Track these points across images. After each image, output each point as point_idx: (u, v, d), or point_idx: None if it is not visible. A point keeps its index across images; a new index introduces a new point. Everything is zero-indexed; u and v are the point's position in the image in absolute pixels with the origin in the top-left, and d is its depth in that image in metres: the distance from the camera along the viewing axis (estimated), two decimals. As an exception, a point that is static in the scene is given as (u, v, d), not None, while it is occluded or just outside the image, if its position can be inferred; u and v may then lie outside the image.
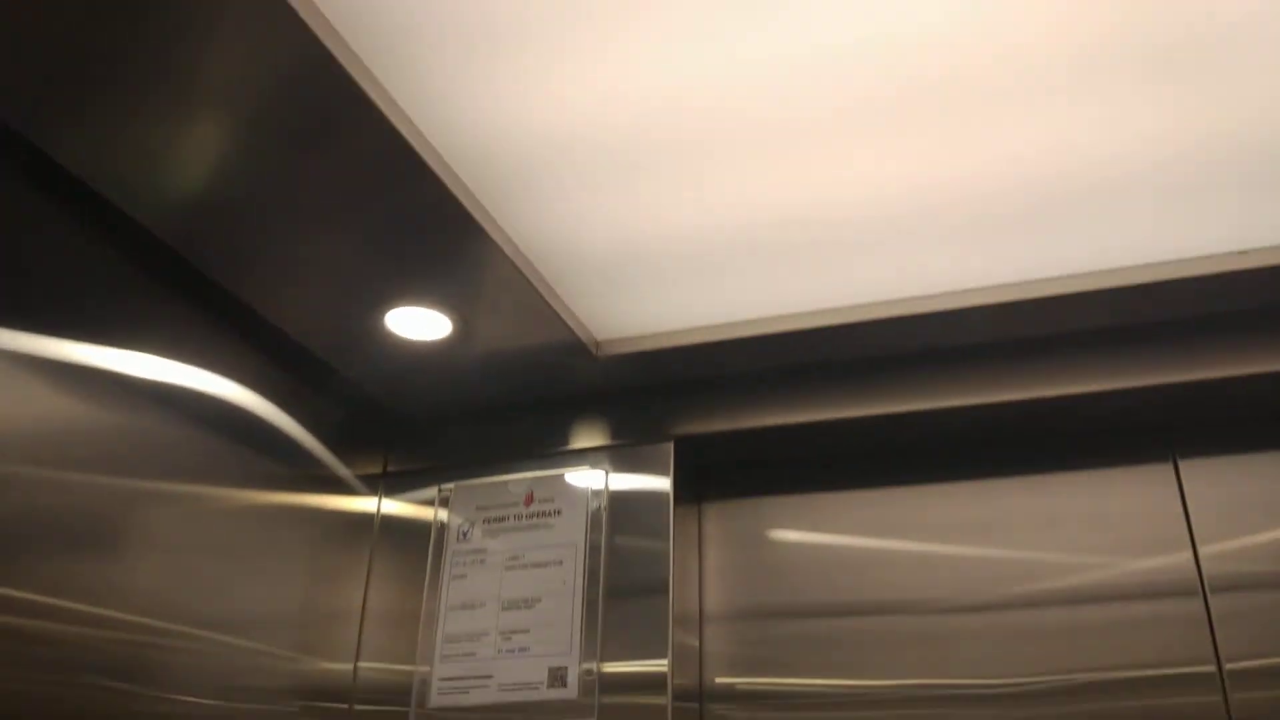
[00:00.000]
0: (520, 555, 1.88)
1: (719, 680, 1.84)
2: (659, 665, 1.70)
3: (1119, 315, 1.67)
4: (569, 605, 1.80)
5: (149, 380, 1.52)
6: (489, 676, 1.78)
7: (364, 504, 1.99)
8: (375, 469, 2.04)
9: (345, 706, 1.83)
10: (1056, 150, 1.38)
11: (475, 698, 1.77)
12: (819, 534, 1.91)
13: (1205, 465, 1.74)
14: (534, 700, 1.73)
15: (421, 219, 1.47)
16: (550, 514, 1.90)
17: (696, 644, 1.87)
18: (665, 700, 1.67)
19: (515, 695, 1.75)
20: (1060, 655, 1.67)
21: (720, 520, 1.98)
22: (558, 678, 1.74)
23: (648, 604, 1.76)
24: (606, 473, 1.90)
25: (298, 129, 1.29)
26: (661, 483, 1.86)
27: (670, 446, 1.88)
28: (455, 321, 1.72)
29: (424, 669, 1.83)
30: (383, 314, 1.70)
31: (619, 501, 1.87)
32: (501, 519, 1.92)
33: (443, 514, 1.97)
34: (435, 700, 1.79)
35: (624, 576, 1.79)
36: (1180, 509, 1.72)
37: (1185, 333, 1.67)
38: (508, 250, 1.55)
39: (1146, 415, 1.77)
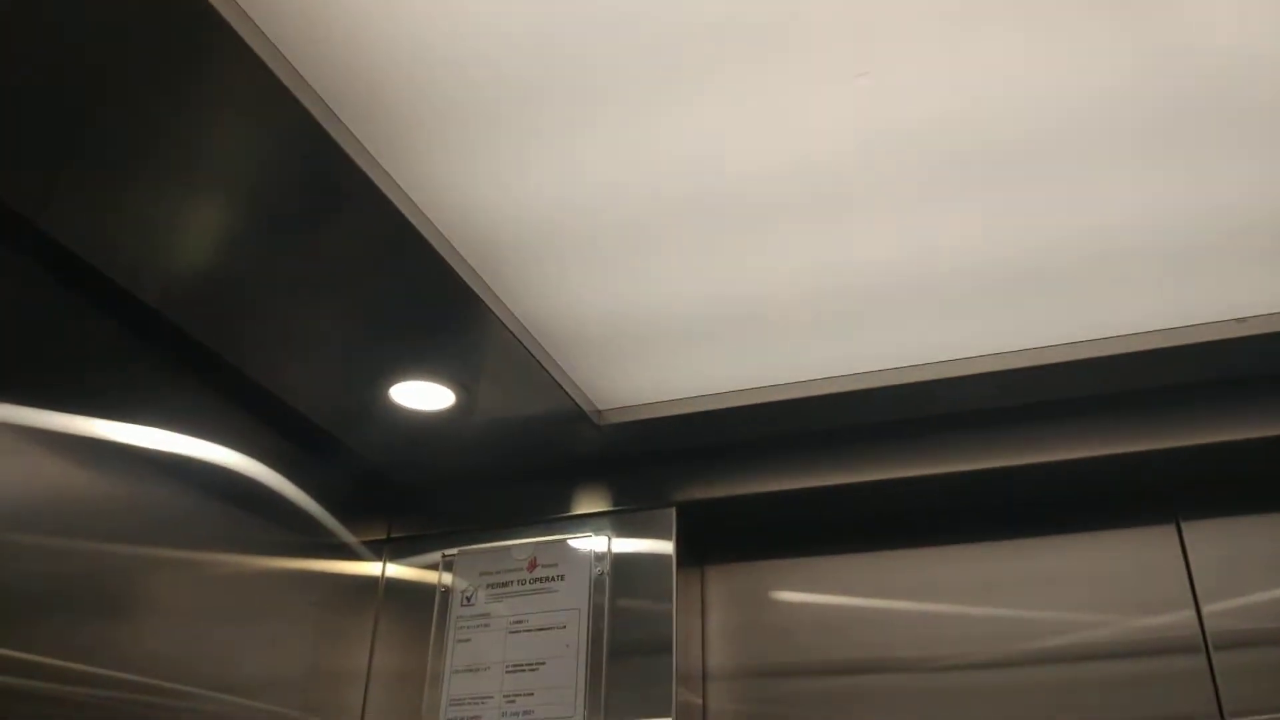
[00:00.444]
0: (524, 619, 1.88)
1: (724, 742, 1.85)
2: (663, 726, 1.72)
3: (1120, 381, 1.70)
4: (572, 667, 1.80)
5: (156, 451, 1.55)
6: (494, 740, 1.79)
7: (369, 569, 2.01)
8: (380, 535, 2.06)
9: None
10: (1056, 221, 1.41)
11: (479, 764, 1.77)
12: (820, 595, 1.92)
13: (1208, 526, 1.76)
14: (538, 768, 1.73)
15: (423, 294, 1.50)
16: (553, 579, 1.91)
17: (700, 702, 1.87)
18: (671, 767, 1.68)
19: (520, 757, 1.75)
20: (1063, 710, 1.68)
21: (723, 582, 1.99)
22: (562, 740, 1.75)
23: (652, 663, 1.76)
24: (609, 538, 1.91)
25: (298, 207, 1.33)
26: (664, 546, 1.87)
27: (672, 512, 1.90)
28: (458, 393, 1.74)
29: (428, 732, 1.83)
30: (387, 387, 1.73)
31: (622, 564, 1.88)
32: (505, 584, 1.93)
33: (446, 578, 1.98)
34: (440, 761, 1.79)
35: (628, 637, 1.80)
36: (1183, 568, 1.74)
37: (1186, 398, 1.69)
38: (509, 324, 1.58)
39: (1149, 478, 1.79)
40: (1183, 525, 1.77)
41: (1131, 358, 1.62)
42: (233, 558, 1.67)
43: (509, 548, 1.97)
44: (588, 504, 1.96)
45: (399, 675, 1.91)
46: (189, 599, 1.56)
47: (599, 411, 1.87)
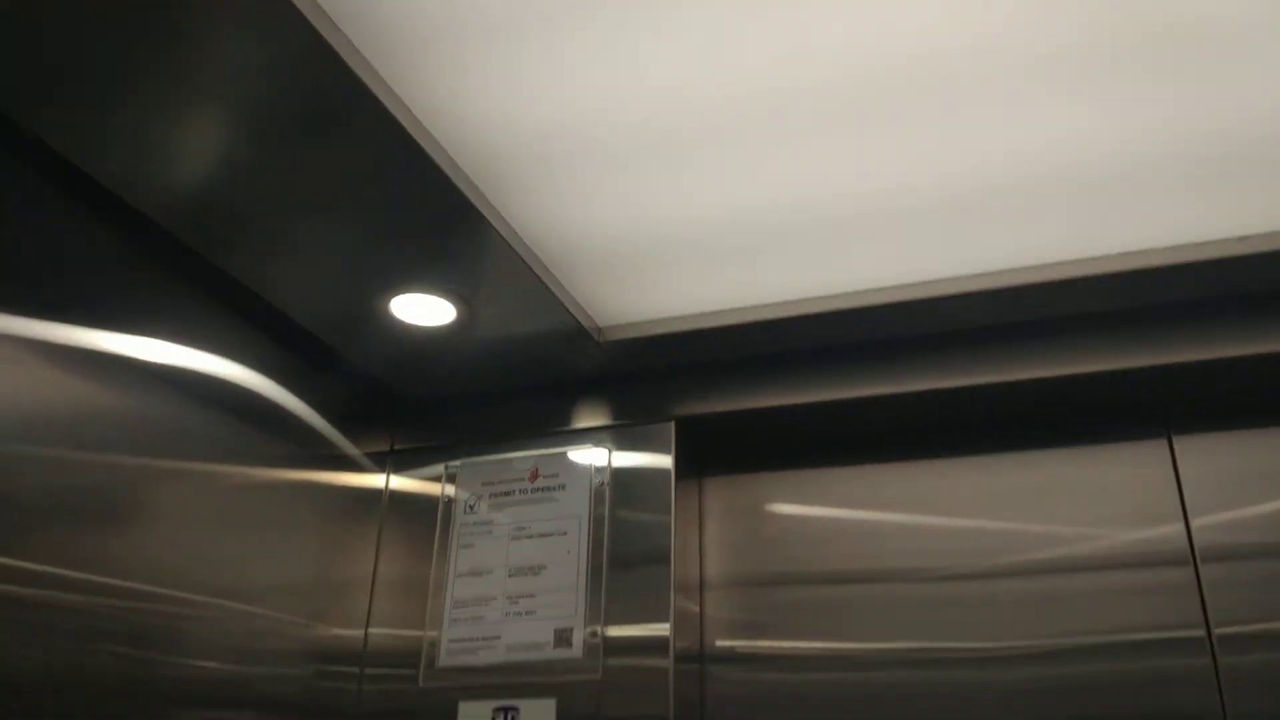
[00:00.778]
0: (526, 526, 1.92)
1: (719, 643, 1.89)
2: (661, 629, 1.75)
3: (1114, 299, 1.71)
4: (573, 572, 1.85)
5: (157, 363, 1.56)
6: (496, 638, 1.84)
7: (373, 480, 2.04)
8: (383, 447, 2.08)
9: (356, 670, 1.89)
10: (1056, 140, 1.40)
11: (483, 658, 1.83)
12: (815, 507, 1.95)
13: (1198, 441, 1.78)
14: (540, 660, 1.80)
15: (424, 208, 1.49)
16: (554, 488, 1.94)
17: (697, 609, 1.92)
18: (668, 662, 1.72)
19: (522, 655, 1.81)
20: (1052, 621, 1.72)
21: (720, 494, 2.02)
22: (563, 639, 1.80)
23: (650, 572, 1.80)
24: (609, 451, 1.94)
25: (299, 120, 1.32)
26: (663, 460, 1.89)
27: (671, 426, 1.92)
28: (459, 308, 1.75)
29: (433, 633, 1.88)
30: (387, 300, 1.73)
31: (621, 477, 1.91)
32: (507, 493, 1.97)
33: (449, 489, 2.01)
34: (444, 660, 1.85)
35: (626, 547, 1.84)
36: (1173, 482, 1.76)
37: (1183, 315, 1.70)
38: (510, 239, 1.58)
39: (1142, 394, 1.80)
40: (1174, 440, 1.79)
41: (1128, 275, 1.63)
42: (236, 469, 1.69)
43: (511, 459, 2.00)
44: (588, 418, 1.98)
45: (403, 583, 1.95)
46: (193, 510, 1.59)
47: (599, 328, 1.88)
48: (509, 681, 1.79)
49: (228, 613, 1.63)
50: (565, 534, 1.89)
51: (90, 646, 1.39)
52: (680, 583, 1.83)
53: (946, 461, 1.90)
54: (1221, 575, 1.66)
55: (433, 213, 1.50)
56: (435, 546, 1.96)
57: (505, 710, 1.77)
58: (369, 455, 2.04)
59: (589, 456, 1.95)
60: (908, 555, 1.84)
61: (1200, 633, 1.63)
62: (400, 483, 2.06)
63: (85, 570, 1.39)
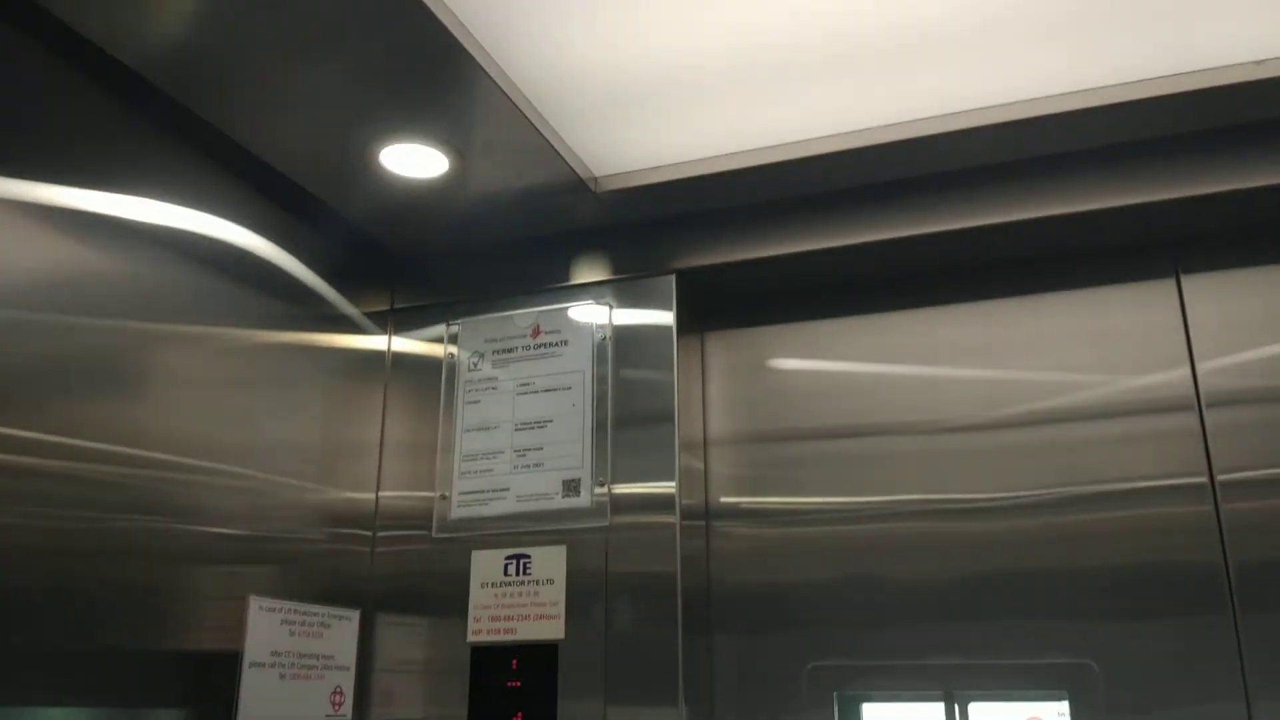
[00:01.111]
0: (530, 382, 1.93)
1: (724, 500, 1.91)
2: (667, 487, 1.77)
3: (1121, 131, 1.65)
4: (579, 424, 1.86)
5: (153, 225, 1.53)
6: (506, 489, 1.87)
7: (375, 342, 2.03)
8: (383, 306, 2.06)
9: (369, 533, 1.92)
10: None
11: (493, 508, 1.86)
12: (819, 360, 1.94)
13: (1208, 280, 1.75)
14: (549, 509, 1.83)
15: (412, 52, 1.44)
16: (557, 344, 1.93)
17: (702, 467, 1.93)
18: (674, 518, 1.75)
19: (531, 505, 1.84)
20: (1055, 470, 1.73)
21: (723, 350, 2.01)
22: (571, 488, 1.83)
23: (654, 431, 1.81)
24: (610, 307, 1.92)
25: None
26: (665, 316, 1.88)
27: (672, 279, 1.89)
28: (451, 159, 1.70)
29: (443, 489, 1.91)
30: (377, 150, 1.69)
31: (623, 335, 1.89)
32: (510, 349, 1.96)
33: (452, 349, 2.00)
34: (456, 512, 1.88)
35: (631, 406, 1.84)
36: (1181, 325, 1.74)
37: (1192, 147, 1.65)
38: (500, 81, 1.53)
39: (1150, 232, 1.76)
40: (1183, 279, 1.76)
41: (1133, 105, 1.57)
42: (238, 332, 1.68)
43: (512, 316, 1.98)
44: (588, 273, 1.95)
45: (411, 446, 1.96)
46: (198, 375, 1.59)
47: (596, 179, 1.83)
48: (520, 531, 1.83)
49: (239, 478, 1.64)
50: (569, 389, 1.89)
51: (102, 516, 1.40)
52: (684, 441, 1.83)
53: (950, 309, 1.88)
54: (1226, 420, 1.65)
55: (421, 57, 1.45)
56: (441, 404, 1.97)
57: (517, 558, 1.81)
58: (369, 315, 2.02)
59: (590, 312, 1.93)
60: (911, 408, 1.84)
61: (1203, 479, 1.64)
62: (402, 344, 2.04)
63: (92, 439, 1.39)
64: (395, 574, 1.88)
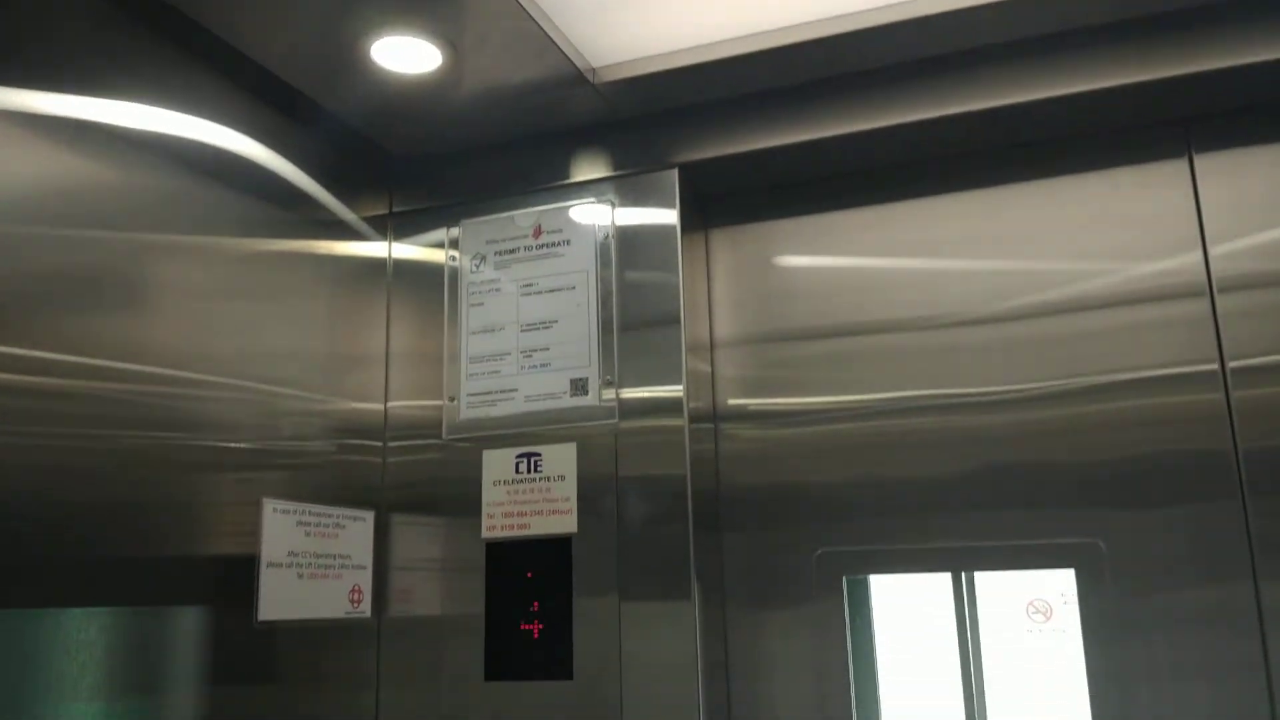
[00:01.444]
0: (534, 283, 1.91)
1: (732, 402, 1.91)
2: (674, 391, 1.77)
3: (1131, 4, 1.59)
4: (585, 324, 1.86)
5: (140, 130, 1.49)
6: (514, 390, 1.87)
7: (375, 249, 2.00)
8: (381, 209, 2.03)
9: (379, 444, 1.93)
10: None
11: (502, 409, 1.87)
12: (824, 256, 1.91)
13: (1221, 159, 1.70)
14: (558, 408, 1.83)
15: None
16: (559, 244, 1.91)
17: (709, 369, 1.93)
18: (682, 422, 1.75)
19: (540, 405, 1.85)
20: (1064, 361, 1.72)
21: (728, 247, 1.99)
22: (579, 387, 1.83)
23: (660, 334, 1.80)
24: (613, 205, 1.89)
25: None
26: (668, 214, 1.85)
27: (674, 174, 1.86)
28: (444, 52, 1.65)
29: (451, 393, 1.91)
30: (368, 45, 1.64)
31: (626, 235, 1.87)
32: (512, 250, 1.94)
33: (454, 255, 1.98)
34: (465, 414, 1.89)
35: (636, 309, 1.83)
36: (1193, 207, 1.71)
37: (1203, 19, 1.59)
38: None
39: (1161, 109, 1.71)
40: (1195, 159, 1.72)
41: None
42: (235, 241, 1.65)
43: (513, 216, 1.96)
44: (589, 170, 1.92)
45: (417, 355, 1.96)
46: (197, 286, 1.57)
47: (594, 70, 1.78)
48: (529, 431, 1.84)
49: (245, 392, 1.64)
50: (574, 288, 1.88)
51: (107, 434, 1.40)
52: (691, 343, 1.82)
53: (957, 198, 1.84)
54: (1238, 306, 1.64)
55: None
56: (445, 308, 1.96)
57: (528, 456, 1.83)
58: (368, 220, 1.99)
59: (592, 212, 1.90)
60: (918, 303, 1.82)
61: (1214, 366, 1.63)
62: (403, 250, 2.02)
63: (94, 355, 1.38)
64: (407, 478, 1.90)
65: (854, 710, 1.71)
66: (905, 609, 1.82)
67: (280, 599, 1.65)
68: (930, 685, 1.77)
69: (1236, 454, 1.58)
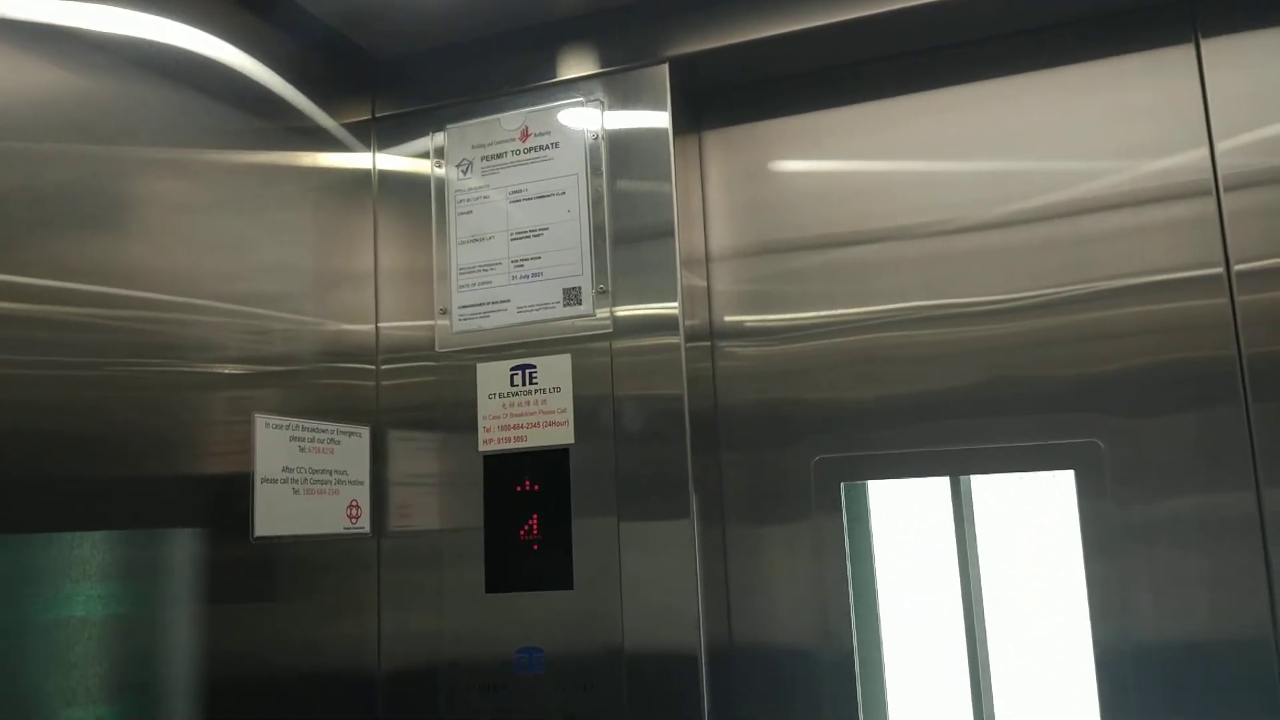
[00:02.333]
0: (522, 189, 1.86)
1: (728, 319, 1.88)
2: (670, 308, 1.73)
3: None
4: (576, 232, 1.81)
5: (105, 33, 1.43)
6: (506, 301, 1.84)
7: (359, 160, 1.94)
8: (363, 115, 1.96)
9: (372, 366, 1.90)
10: None
11: (494, 320, 1.84)
12: (821, 160, 1.86)
13: (1229, 44, 1.63)
14: (551, 318, 1.80)
15: None
16: (548, 146, 1.86)
17: (705, 284, 1.89)
18: (678, 339, 1.72)
19: (533, 315, 1.82)
20: (1065, 267, 1.68)
21: (722, 151, 1.93)
22: (573, 296, 1.80)
23: (654, 248, 1.76)
24: (602, 106, 1.83)
25: None
26: (659, 116, 1.78)
27: (665, 69, 1.79)
28: (424, -51, 1.58)
29: (442, 305, 1.88)
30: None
31: (617, 141, 1.81)
32: (499, 155, 1.89)
33: (439, 167, 1.92)
34: (457, 326, 1.86)
35: (628, 222, 1.78)
36: (1199, 98, 1.65)
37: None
38: None
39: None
40: (1202, 44, 1.65)
41: None
42: (210, 153, 1.60)
43: (499, 119, 1.89)
44: (576, 67, 1.85)
45: (406, 272, 1.92)
46: (171, 201, 1.52)
47: (578, -40, 1.71)
48: (523, 342, 1.82)
49: (233, 315, 1.61)
50: (564, 194, 1.83)
51: (98, 361, 1.37)
52: (686, 257, 1.78)
53: (956, 92, 1.78)
54: (1245, 206, 1.59)
55: None
56: (433, 219, 1.91)
57: (523, 368, 1.81)
58: (351, 127, 1.93)
59: (581, 114, 1.84)
60: (918, 209, 1.78)
61: (1219, 270, 1.59)
62: (388, 161, 1.96)
63: (78, 280, 1.34)
64: (402, 395, 1.88)
65: (853, 620, 1.72)
66: (904, 517, 1.82)
67: (276, 515, 1.64)
68: (929, 594, 1.79)
69: (1240, 360, 1.56)
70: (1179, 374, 1.60)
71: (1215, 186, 1.62)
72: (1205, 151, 1.64)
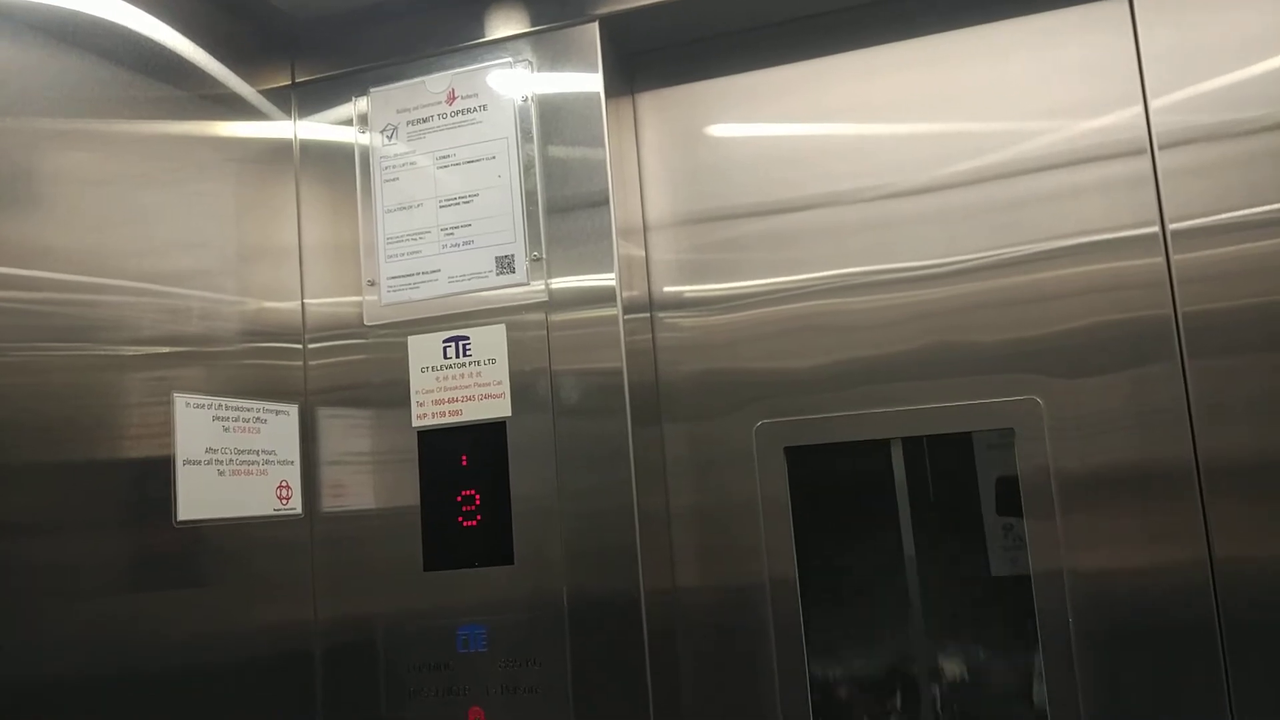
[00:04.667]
0: (450, 154, 1.80)
1: (667, 289, 1.85)
2: (607, 279, 1.69)
3: None
4: (508, 197, 1.76)
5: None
6: (436, 270, 1.79)
7: (279, 129, 1.86)
8: (283, 81, 1.88)
9: (299, 346, 1.84)
10: None
11: (425, 291, 1.79)
12: (757, 124, 1.82)
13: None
14: (484, 288, 1.76)
15: None
16: (476, 110, 1.80)
17: (643, 254, 1.85)
18: (616, 312, 1.68)
19: (465, 285, 1.77)
20: (1002, 229, 1.67)
21: (656, 114, 1.88)
22: (505, 265, 1.75)
23: (588, 218, 1.71)
24: (531, 67, 1.77)
25: None
26: (591, 79, 1.73)
27: (595, 27, 1.74)
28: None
29: (370, 276, 1.82)
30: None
31: (548, 106, 1.75)
32: (425, 119, 1.82)
33: (363, 134, 1.85)
34: (386, 298, 1.81)
35: (561, 190, 1.73)
36: (1133, 54, 1.64)
37: None
38: None
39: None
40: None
41: None
42: (118, 124, 1.52)
43: (424, 81, 1.83)
44: (504, 25, 1.79)
45: (333, 246, 1.85)
46: (79, 177, 1.44)
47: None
48: (455, 313, 1.77)
49: (146, 294, 1.53)
50: (494, 158, 1.78)
51: (13, 347, 1.31)
52: (622, 227, 1.74)
53: (890, 49, 1.76)
54: (1179, 164, 1.59)
55: None
56: (358, 188, 1.84)
57: (455, 340, 1.76)
58: (269, 94, 1.85)
59: (510, 75, 1.78)
60: (853, 174, 1.75)
61: (1155, 229, 1.59)
62: (309, 129, 1.88)
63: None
64: (332, 372, 1.82)
65: (797, 572, 1.72)
66: (847, 479, 1.82)
67: (200, 498, 1.59)
68: (873, 553, 1.79)
69: (1176, 317, 1.57)
70: (1116, 333, 1.60)
71: (1150, 145, 1.61)
72: (1140, 109, 1.63)
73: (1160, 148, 1.61)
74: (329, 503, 1.80)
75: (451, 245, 1.78)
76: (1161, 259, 1.59)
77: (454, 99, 1.81)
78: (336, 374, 1.82)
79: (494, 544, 1.70)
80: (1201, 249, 1.56)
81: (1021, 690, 1.68)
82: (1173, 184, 1.59)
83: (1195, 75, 1.60)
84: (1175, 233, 1.58)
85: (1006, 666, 1.71)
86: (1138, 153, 1.62)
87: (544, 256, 1.72)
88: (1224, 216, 1.56)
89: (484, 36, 1.80)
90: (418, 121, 1.83)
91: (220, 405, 1.64)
